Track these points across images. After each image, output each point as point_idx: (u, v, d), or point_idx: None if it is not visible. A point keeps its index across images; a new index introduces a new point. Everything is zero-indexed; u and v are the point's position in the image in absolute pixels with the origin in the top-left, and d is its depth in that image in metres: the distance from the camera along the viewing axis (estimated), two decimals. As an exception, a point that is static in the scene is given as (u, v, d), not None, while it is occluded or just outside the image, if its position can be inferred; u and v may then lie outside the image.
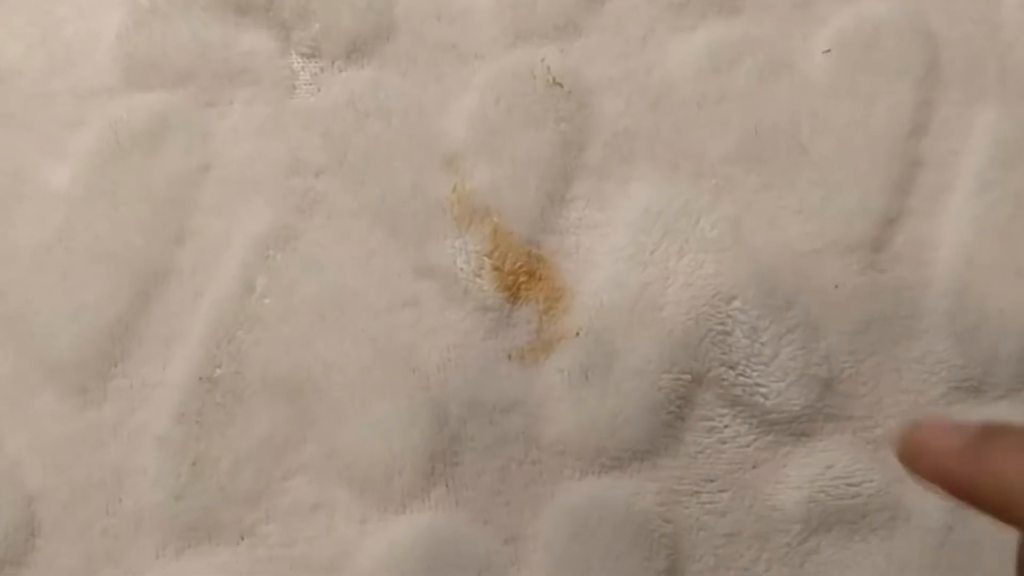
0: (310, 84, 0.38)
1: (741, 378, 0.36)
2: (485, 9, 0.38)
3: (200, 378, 0.35)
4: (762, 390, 0.36)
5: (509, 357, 0.36)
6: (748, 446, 0.37)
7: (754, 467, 0.37)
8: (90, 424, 0.35)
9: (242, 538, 0.35)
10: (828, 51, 0.39)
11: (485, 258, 0.36)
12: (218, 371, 0.35)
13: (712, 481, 0.36)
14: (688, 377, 0.36)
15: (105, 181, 0.36)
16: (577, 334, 0.36)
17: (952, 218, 0.38)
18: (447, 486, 0.36)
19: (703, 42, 0.39)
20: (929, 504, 0.37)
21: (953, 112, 0.39)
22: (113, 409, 0.35)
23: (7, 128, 0.37)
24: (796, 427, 0.37)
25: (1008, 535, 0.21)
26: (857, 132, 0.38)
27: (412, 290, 0.37)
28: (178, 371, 0.36)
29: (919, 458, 0.25)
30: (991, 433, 0.24)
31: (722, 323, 0.37)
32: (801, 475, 0.37)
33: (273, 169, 0.37)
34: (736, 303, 0.36)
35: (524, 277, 0.36)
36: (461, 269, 0.36)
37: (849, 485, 0.36)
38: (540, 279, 0.37)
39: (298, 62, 0.38)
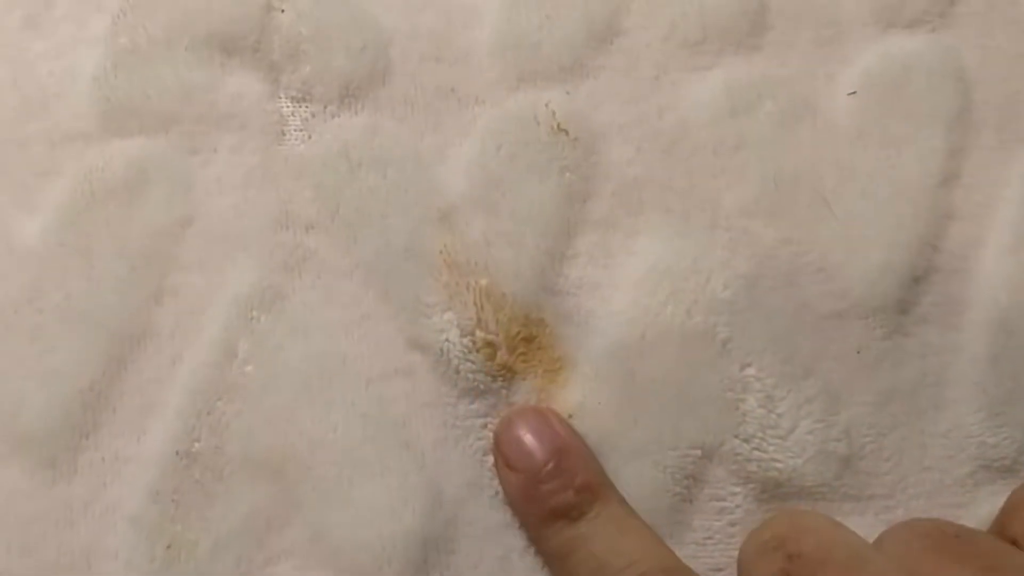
0: (300, 130, 0.36)
1: (756, 452, 0.34)
2: (486, 50, 0.37)
3: (177, 452, 0.33)
4: (778, 465, 0.34)
5: None
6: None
7: None
8: (59, 501, 0.34)
9: (221, 627, 0.33)
10: (853, 93, 0.37)
11: (477, 331, 0.35)
12: (196, 445, 0.34)
13: (720, 571, 0.34)
14: (698, 453, 0.34)
15: (79, 235, 0.35)
16: (570, 416, 0.34)
17: (984, 276, 0.36)
18: (442, 576, 0.33)
19: (720, 83, 0.37)
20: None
21: (987, 159, 0.37)
22: (84, 484, 0.34)
23: None
24: (809, 506, 0.35)
25: None
26: (884, 182, 0.36)
27: (406, 359, 0.35)
28: (154, 444, 0.34)
29: None
30: None
31: (735, 392, 0.34)
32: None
33: (260, 223, 0.35)
34: (750, 370, 0.34)
35: (522, 347, 0.35)
36: (453, 345, 0.35)
37: None
38: (539, 348, 0.35)
39: (288, 106, 0.36)
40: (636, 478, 0.34)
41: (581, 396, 0.35)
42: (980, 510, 0.35)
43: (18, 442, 0.34)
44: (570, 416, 0.35)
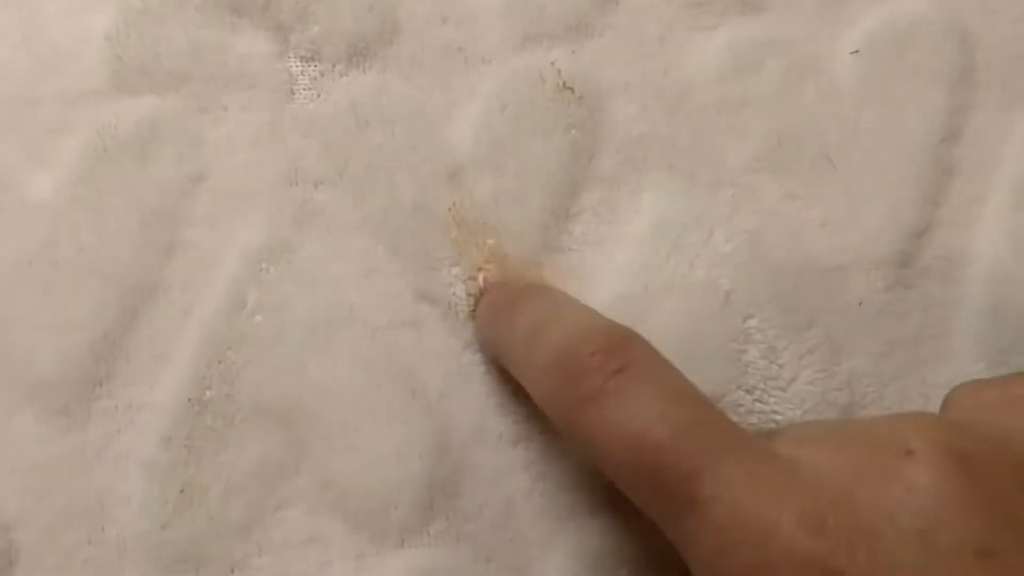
0: (309, 89, 0.37)
1: (758, 404, 0.35)
2: (493, 10, 0.38)
3: (189, 400, 0.34)
4: (777, 417, 0.35)
5: (515, 392, 0.35)
6: None
7: None
8: (72, 448, 0.34)
9: (232, 571, 0.34)
10: (856, 52, 0.37)
11: (482, 289, 0.35)
12: (208, 393, 0.34)
13: None
14: (703, 402, 0.34)
15: (91, 191, 0.35)
16: None
17: (985, 231, 0.37)
18: (448, 519, 0.35)
19: (724, 42, 0.38)
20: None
21: (989, 118, 0.38)
22: (97, 432, 0.34)
23: None
24: None
25: None
26: (886, 139, 0.37)
27: (413, 311, 0.36)
28: (166, 392, 0.35)
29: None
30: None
31: (738, 343, 0.35)
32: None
33: (269, 179, 0.36)
34: (752, 321, 0.35)
35: None
36: (459, 299, 0.36)
37: None
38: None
39: (297, 66, 0.37)
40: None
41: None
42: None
43: (32, 390, 0.34)
44: None
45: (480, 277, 0.35)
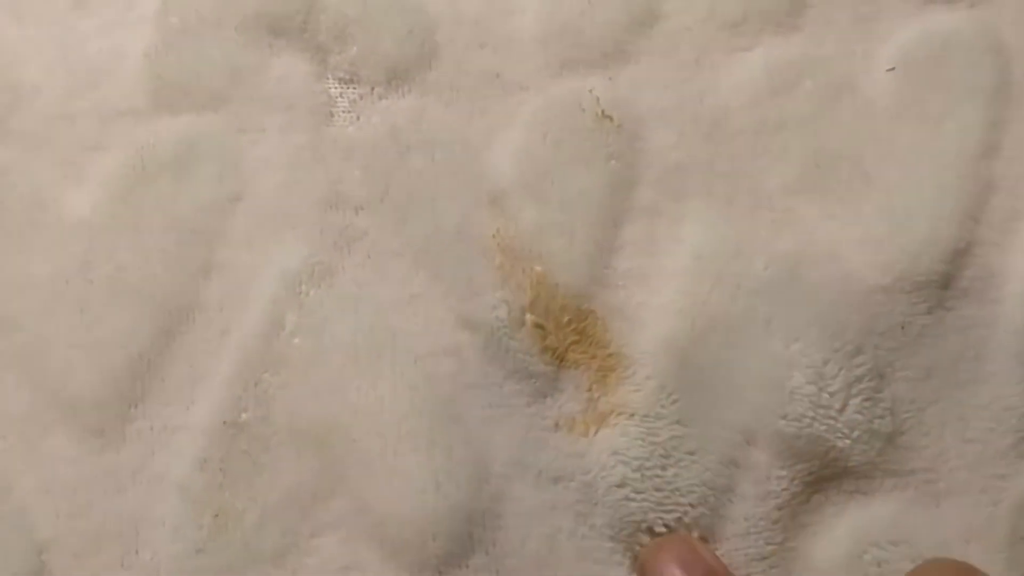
0: (348, 112, 0.37)
1: (807, 430, 0.34)
2: (530, 36, 0.38)
3: (224, 422, 0.34)
4: (827, 445, 0.34)
5: (556, 426, 0.35)
6: (803, 504, 0.35)
7: (803, 529, 0.35)
8: (107, 468, 0.34)
9: (266, 597, 0.33)
10: (892, 69, 0.38)
11: (527, 314, 0.36)
12: (244, 415, 0.34)
13: (764, 560, 0.35)
14: (742, 439, 0.35)
15: (129, 209, 0.36)
16: (632, 415, 0.35)
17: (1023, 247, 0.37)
18: (488, 553, 0.35)
19: (760, 64, 0.38)
20: (994, 569, 0.35)
21: (1027, 131, 0.38)
22: (132, 453, 0.35)
23: (26, 150, 0.37)
24: (851, 484, 0.36)
25: None
26: (924, 156, 0.38)
27: (454, 339, 0.36)
28: (202, 414, 0.35)
29: None
30: None
31: (781, 369, 0.35)
32: (854, 537, 0.35)
33: (308, 202, 0.36)
34: (796, 346, 0.35)
35: (575, 337, 0.36)
36: (502, 323, 0.35)
37: (897, 544, 0.35)
38: (592, 342, 0.36)
39: (335, 87, 0.37)
40: (691, 478, 0.35)
41: (636, 395, 0.36)
42: (1023, 481, 0.36)
43: (67, 410, 0.35)
44: (631, 415, 0.35)
45: (528, 320, 0.36)
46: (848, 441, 0.35)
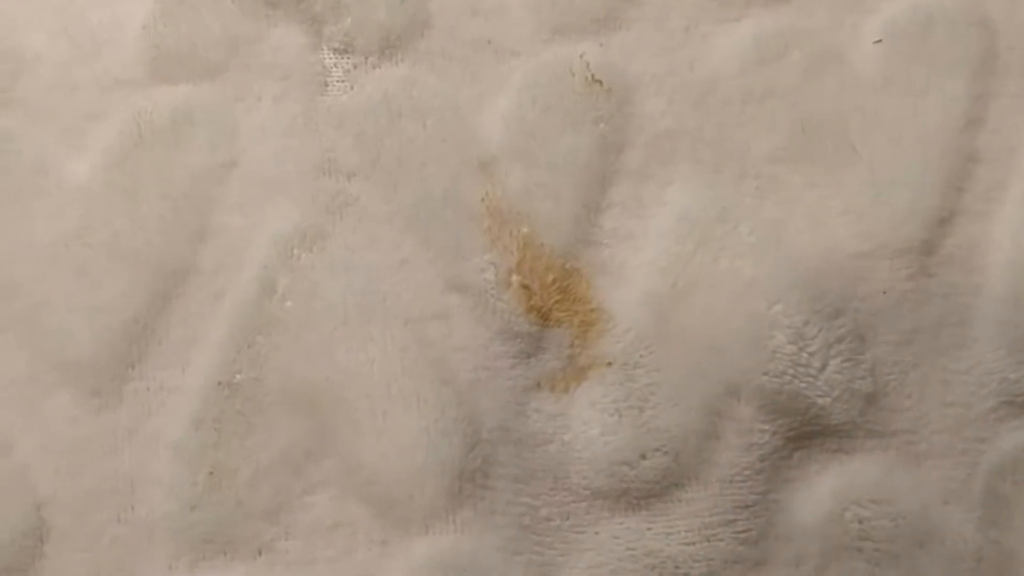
0: (342, 81, 0.38)
1: (787, 387, 0.35)
2: (521, 3, 0.39)
3: (219, 383, 0.35)
4: (807, 403, 0.35)
5: (539, 385, 0.36)
6: (786, 460, 0.36)
7: (787, 484, 0.36)
8: (104, 428, 0.35)
9: (260, 554, 0.35)
10: (879, 41, 0.38)
11: (513, 275, 0.37)
12: (238, 377, 0.35)
13: (749, 507, 0.35)
14: (725, 391, 0.36)
15: (126, 175, 0.37)
16: (609, 364, 0.36)
17: (1007, 218, 0.38)
18: (475, 509, 0.35)
19: (749, 34, 0.39)
20: (967, 528, 0.36)
21: (1011, 104, 0.39)
22: (128, 413, 0.36)
23: (28, 118, 0.38)
24: (834, 443, 0.37)
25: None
26: (909, 127, 0.38)
27: (442, 303, 0.37)
28: (197, 375, 0.36)
29: None
30: None
31: (764, 329, 0.36)
32: (836, 494, 0.36)
33: (302, 168, 0.37)
34: (778, 307, 0.36)
35: (558, 296, 0.36)
36: (489, 284, 0.36)
37: (879, 503, 0.36)
38: (575, 299, 0.36)
39: (330, 58, 0.38)
40: (669, 424, 0.36)
41: (618, 347, 0.36)
42: (1003, 444, 0.37)
43: (66, 371, 0.36)
44: (608, 364, 0.36)
45: (514, 281, 0.36)
46: (828, 399, 0.36)
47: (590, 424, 0.36)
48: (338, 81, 0.38)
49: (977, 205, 0.38)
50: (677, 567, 0.35)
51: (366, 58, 0.38)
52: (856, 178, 0.38)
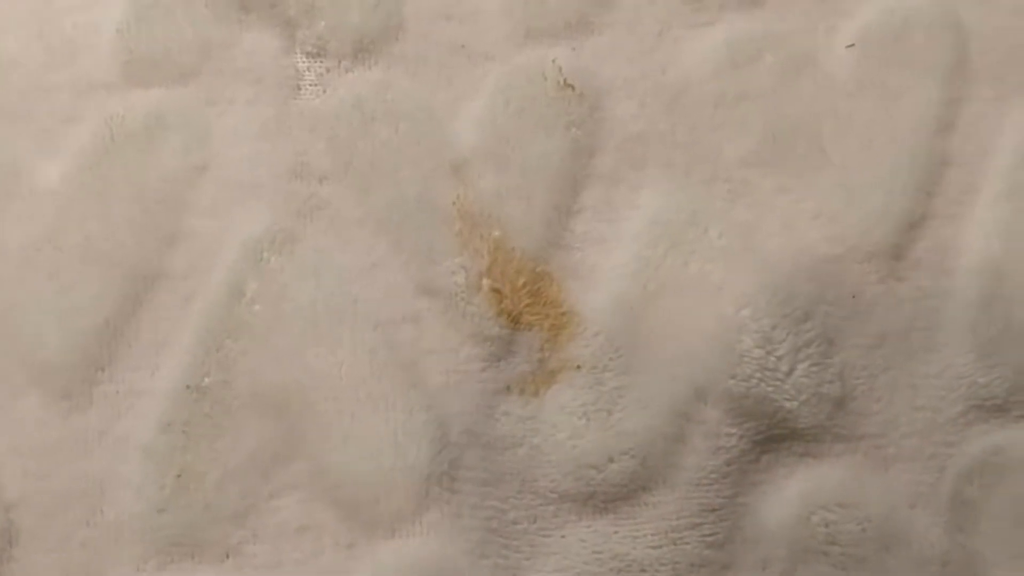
0: (315, 85, 0.38)
1: (753, 391, 0.35)
2: (495, 7, 0.39)
3: (188, 387, 0.35)
4: (774, 407, 0.35)
5: (508, 389, 0.37)
6: (753, 463, 0.36)
7: (754, 487, 0.36)
8: (74, 431, 0.36)
9: (227, 556, 0.35)
10: (852, 45, 0.39)
11: (484, 278, 0.37)
12: (206, 380, 0.35)
13: (715, 511, 0.35)
14: (692, 394, 0.36)
15: (97, 179, 0.37)
16: (579, 367, 0.36)
17: (977, 223, 0.38)
18: (442, 512, 0.36)
19: (722, 38, 0.39)
20: (934, 532, 0.36)
21: (983, 109, 0.39)
22: (98, 416, 0.36)
23: (3, 121, 0.38)
24: (802, 447, 0.37)
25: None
26: (881, 131, 0.38)
27: (413, 306, 0.37)
28: (166, 379, 0.36)
29: None
30: None
31: (732, 333, 0.36)
32: (803, 498, 0.36)
33: (274, 172, 0.38)
34: (746, 311, 0.36)
35: (528, 299, 0.36)
36: (460, 288, 0.36)
37: (846, 507, 0.36)
38: (545, 302, 0.36)
39: (303, 61, 0.38)
40: (637, 427, 0.36)
41: (584, 349, 0.36)
42: (971, 448, 0.36)
43: (36, 374, 0.36)
44: (577, 367, 0.36)
45: (485, 284, 0.36)
46: (795, 403, 0.36)
47: (559, 427, 0.36)
48: (311, 85, 0.38)
49: (948, 209, 0.38)
50: (643, 570, 0.36)
51: (339, 62, 0.38)
52: (828, 182, 0.38)
